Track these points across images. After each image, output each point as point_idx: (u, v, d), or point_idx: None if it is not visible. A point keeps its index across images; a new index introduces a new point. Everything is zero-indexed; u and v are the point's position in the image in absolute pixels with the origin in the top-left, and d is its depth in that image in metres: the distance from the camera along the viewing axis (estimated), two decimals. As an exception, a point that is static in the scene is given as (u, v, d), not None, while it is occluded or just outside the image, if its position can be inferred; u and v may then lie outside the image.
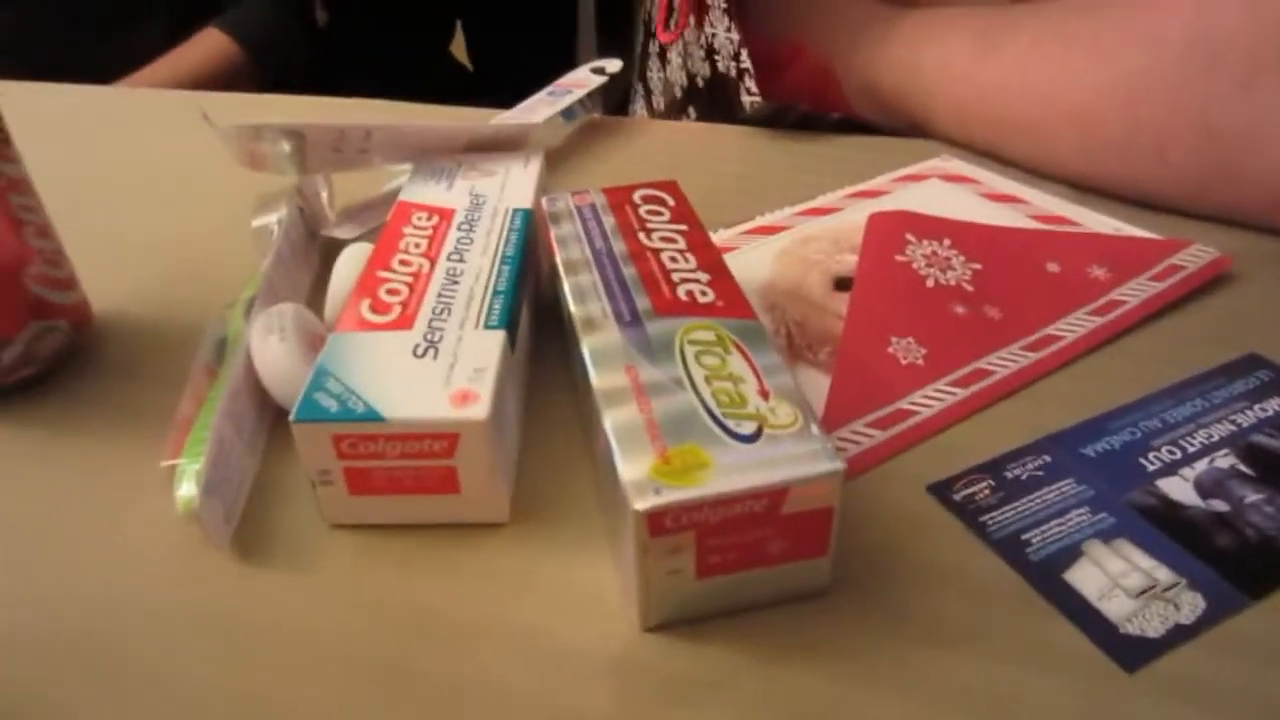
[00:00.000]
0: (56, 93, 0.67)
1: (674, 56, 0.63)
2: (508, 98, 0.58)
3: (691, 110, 0.62)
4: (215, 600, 0.27)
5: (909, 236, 0.41)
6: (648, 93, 0.70)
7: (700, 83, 0.59)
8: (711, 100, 0.59)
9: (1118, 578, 0.26)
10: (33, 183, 0.35)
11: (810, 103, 0.56)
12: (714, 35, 0.55)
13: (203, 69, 1.06)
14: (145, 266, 0.44)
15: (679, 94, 0.63)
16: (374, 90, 0.67)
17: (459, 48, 1.63)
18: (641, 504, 0.23)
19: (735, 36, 0.53)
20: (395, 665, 0.25)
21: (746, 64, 0.53)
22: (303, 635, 0.26)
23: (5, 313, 0.34)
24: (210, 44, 1.08)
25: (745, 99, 0.54)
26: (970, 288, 0.38)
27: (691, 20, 0.57)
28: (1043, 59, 0.46)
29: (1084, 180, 0.46)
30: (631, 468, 0.24)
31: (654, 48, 0.67)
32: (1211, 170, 0.41)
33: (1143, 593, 0.26)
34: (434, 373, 0.28)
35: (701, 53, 0.57)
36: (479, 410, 0.27)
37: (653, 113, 0.70)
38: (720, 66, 0.55)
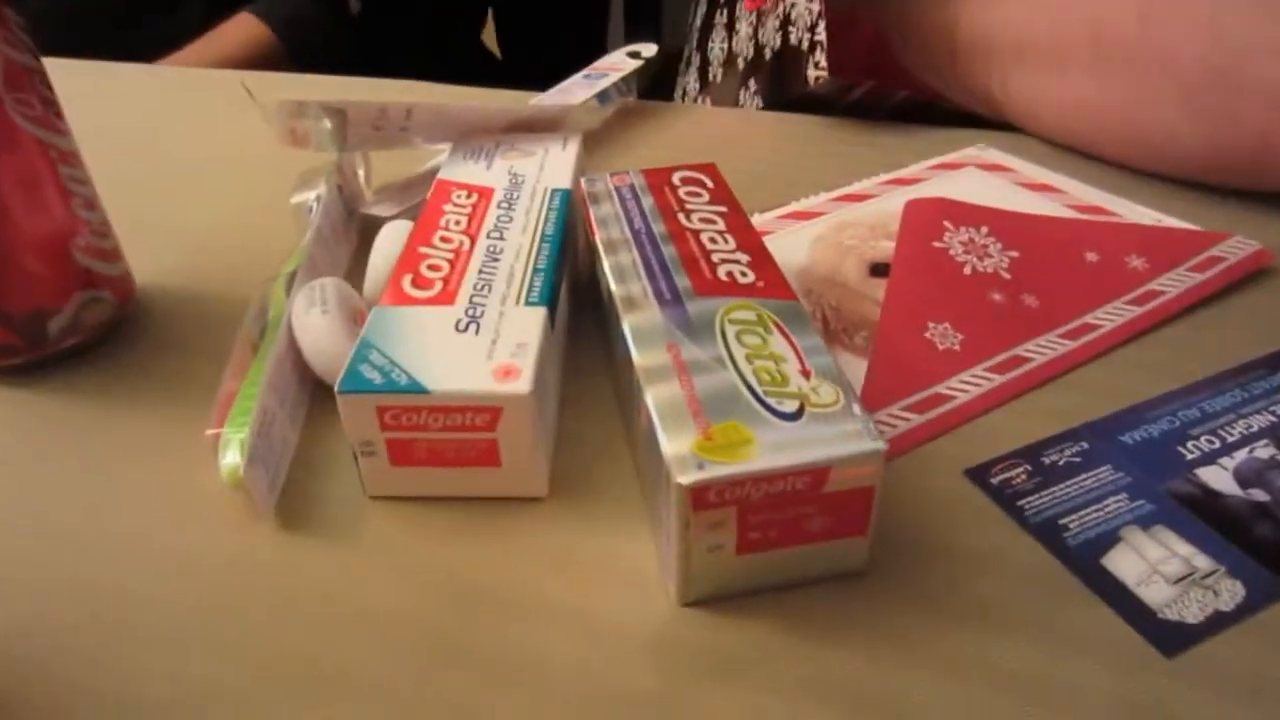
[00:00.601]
0: (98, 71, 0.68)
1: (743, 27, 0.62)
2: (537, 86, 0.58)
3: (752, 83, 0.62)
4: (260, 566, 0.28)
5: (946, 223, 0.41)
6: (704, 64, 0.69)
7: (768, 54, 0.58)
8: (777, 73, 0.58)
9: (1156, 564, 0.26)
10: (81, 156, 0.36)
11: (870, 78, 0.55)
12: (793, 5, 0.54)
13: (235, 53, 1.07)
14: (184, 241, 0.45)
15: (741, 65, 0.62)
16: (404, 77, 0.67)
17: (489, 37, 1.64)
18: (685, 478, 0.23)
19: (815, 7, 0.52)
20: (435, 632, 0.25)
21: (821, 36, 0.52)
22: (345, 600, 0.26)
23: (54, 282, 0.35)
24: (243, 29, 1.09)
25: (811, 73, 0.53)
26: (1007, 275, 0.38)
27: None
28: None
29: (1092, 105, 0.46)
30: (674, 443, 0.24)
31: (721, 18, 0.66)
32: (1212, 78, 0.41)
33: (1181, 579, 0.26)
34: (476, 347, 0.28)
35: (776, 23, 0.56)
36: (522, 384, 0.27)
37: (706, 85, 0.69)
38: (793, 39, 0.54)
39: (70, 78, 0.35)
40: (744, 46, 0.62)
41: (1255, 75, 0.40)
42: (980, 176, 0.47)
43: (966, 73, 0.52)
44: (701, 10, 0.70)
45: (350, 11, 1.25)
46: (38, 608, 0.26)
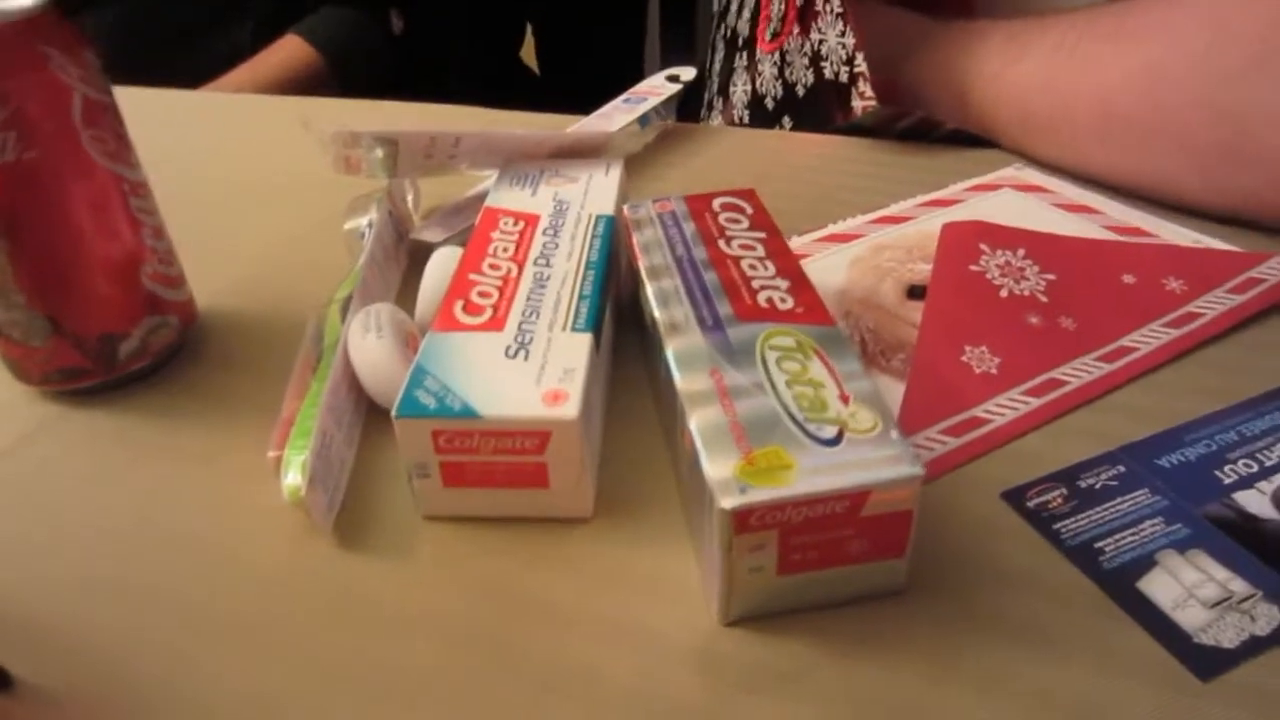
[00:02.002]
0: (153, 97, 0.70)
1: (766, 68, 0.63)
2: (576, 102, 0.59)
3: (786, 120, 0.63)
4: (320, 579, 0.29)
5: (983, 246, 0.41)
6: (728, 107, 0.70)
7: (801, 91, 0.59)
8: (810, 109, 0.59)
9: (1192, 588, 0.27)
10: (149, 186, 0.38)
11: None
12: (822, 41, 0.55)
13: (282, 74, 1.10)
14: (241, 264, 0.46)
15: (770, 105, 0.63)
16: (446, 94, 0.69)
17: (528, 53, 1.66)
18: (728, 502, 0.24)
19: (849, 41, 0.53)
20: (489, 644, 0.26)
21: (862, 68, 0.53)
22: (400, 611, 0.28)
23: (124, 308, 0.37)
24: (290, 50, 1.12)
25: (857, 103, 0.54)
26: (1044, 298, 0.39)
27: (796, 28, 0.57)
28: (1067, 55, 0.47)
29: (1107, 175, 0.47)
30: (718, 467, 0.25)
31: (741, 61, 0.67)
32: (1223, 151, 0.42)
33: (1218, 603, 0.26)
34: (526, 373, 0.30)
35: (805, 60, 0.57)
36: (569, 409, 0.28)
37: (731, 124, 0.71)
38: (828, 73, 0.55)
39: (128, 103, 0.36)
40: (771, 86, 0.63)
41: (1262, 147, 0.41)
42: (1017, 197, 0.48)
43: (988, 136, 0.53)
44: (720, 54, 0.71)
45: (393, 31, 1.28)
46: (111, 614, 0.28)
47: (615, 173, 0.42)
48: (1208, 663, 0.25)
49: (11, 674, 0.26)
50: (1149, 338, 0.37)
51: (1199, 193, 0.44)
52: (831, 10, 0.55)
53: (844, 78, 0.55)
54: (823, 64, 0.56)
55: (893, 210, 0.47)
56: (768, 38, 0.59)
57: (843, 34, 0.54)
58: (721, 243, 0.35)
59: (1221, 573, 0.27)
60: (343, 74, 1.14)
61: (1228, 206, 0.44)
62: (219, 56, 1.07)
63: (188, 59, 1.04)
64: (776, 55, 0.62)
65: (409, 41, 1.29)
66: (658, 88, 0.58)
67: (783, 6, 0.57)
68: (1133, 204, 0.46)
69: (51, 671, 0.26)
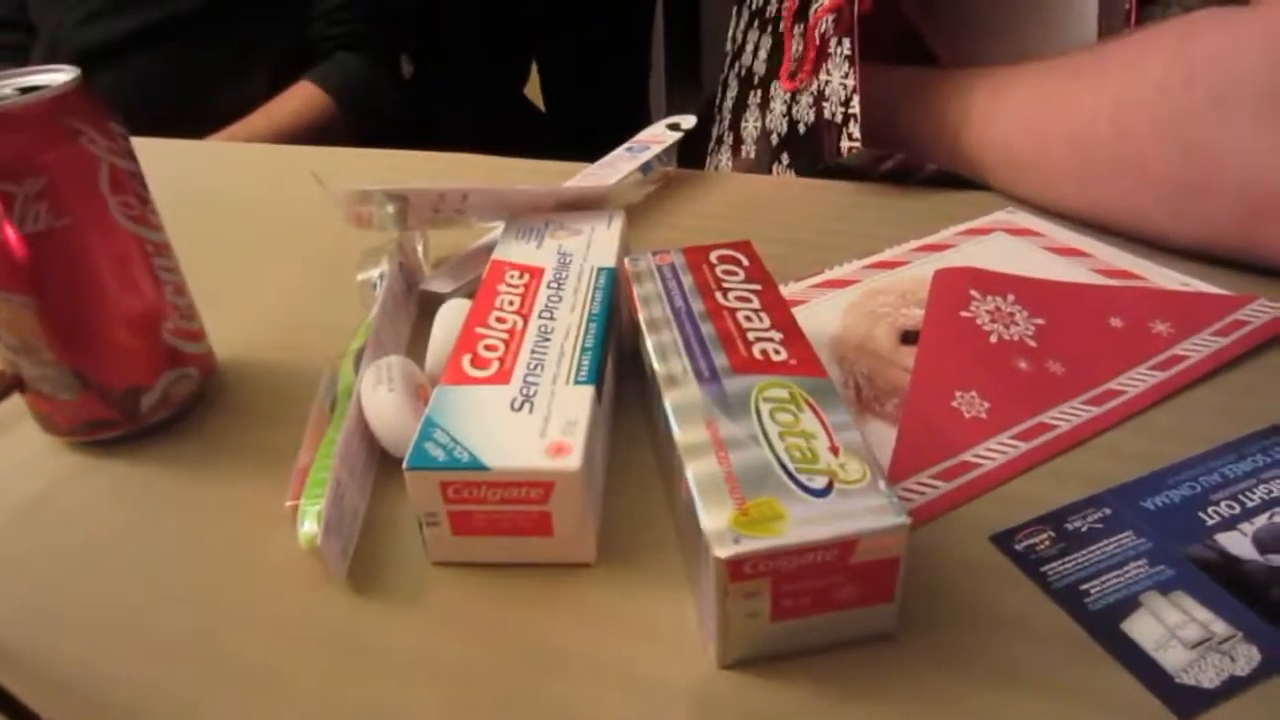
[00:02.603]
0: (172, 147, 0.72)
1: (777, 105, 0.65)
2: (580, 138, 0.61)
3: (785, 156, 0.64)
4: (334, 624, 0.30)
5: (973, 292, 0.43)
6: (738, 142, 0.72)
7: (802, 129, 0.61)
8: (807, 147, 0.61)
9: (1175, 629, 0.27)
10: (171, 245, 0.39)
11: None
12: (827, 82, 0.57)
13: (296, 120, 1.13)
14: (258, 316, 0.48)
15: (774, 141, 0.65)
16: (455, 133, 0.71)
17: (533, 90, 1.69)
18: (723, 552, 0.25)
19: (850, 82, 0.55)
20: (494, 687, 0.28)
21: (855, 110, 0.55)
22: (410, 656, 0.29)
23: (146, 363, 0.38)
24: (303, 96, 1.15)
25: (844, 144, 0.55)
26: (1033, 343, 0.40)
27: (811, 69, 0.59)
28: (1044, 95, 0.50)
29: (1084, 212, 0.49)
30: (713, 518, 0.26)
31: (755, 98, 0.69)
32: (1186, 185, 0.44)
33: (1199, 644, 0.27)
34: (530, 425, 0.31)
35: (810, 99, 0.59)
36: (572, 461, 0.29)
37: (739, 162, 0.72)
38: (827, 113, 0.57)
39: (146, 153, 0.38)
40: (778, 123, 0.64)
41: (1223, 181, 0.43)
42: (1009, 241, 0.49)
43: (964, 173, 0.56)
44: (733, 91, 0.73)
45: (403, 74, 1.31)
46: (131, 661, 0.29)
47: (617, 224, 0.44)
48: (1188, 702, 0.26)
49: (40, 716, 0.27)
50: (1135, 381, 0.38)
51: (1164, 224, 0.46)
52: (841, 52, 0.56)
53: (839, 118, 0.57)
54: (824, 103, 0.58)
55: (887, 255, 0.49)
56: (790, 77, 0.61)
57: (846, 75, 0.56)
58: (718, 294, 0.36)
59: (1203, 614, 0.28)
60: (355, 118, 1.17)
61: (1192, 238, 0.45)
62: (233, 105, 1.10)
63: (203, 108, 1.07)
64: (789, 94, 0.64)
65: (418, 85, 1.32)
66: (659, 136, 0.60)
67: (801, 47, 0.59)
68: (1122, 247, 0.47)
69: (74, 715, 0.28)
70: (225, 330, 0.44)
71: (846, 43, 0.55)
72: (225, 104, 1.10)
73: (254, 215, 0.61)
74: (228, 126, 1.08)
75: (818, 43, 0.58)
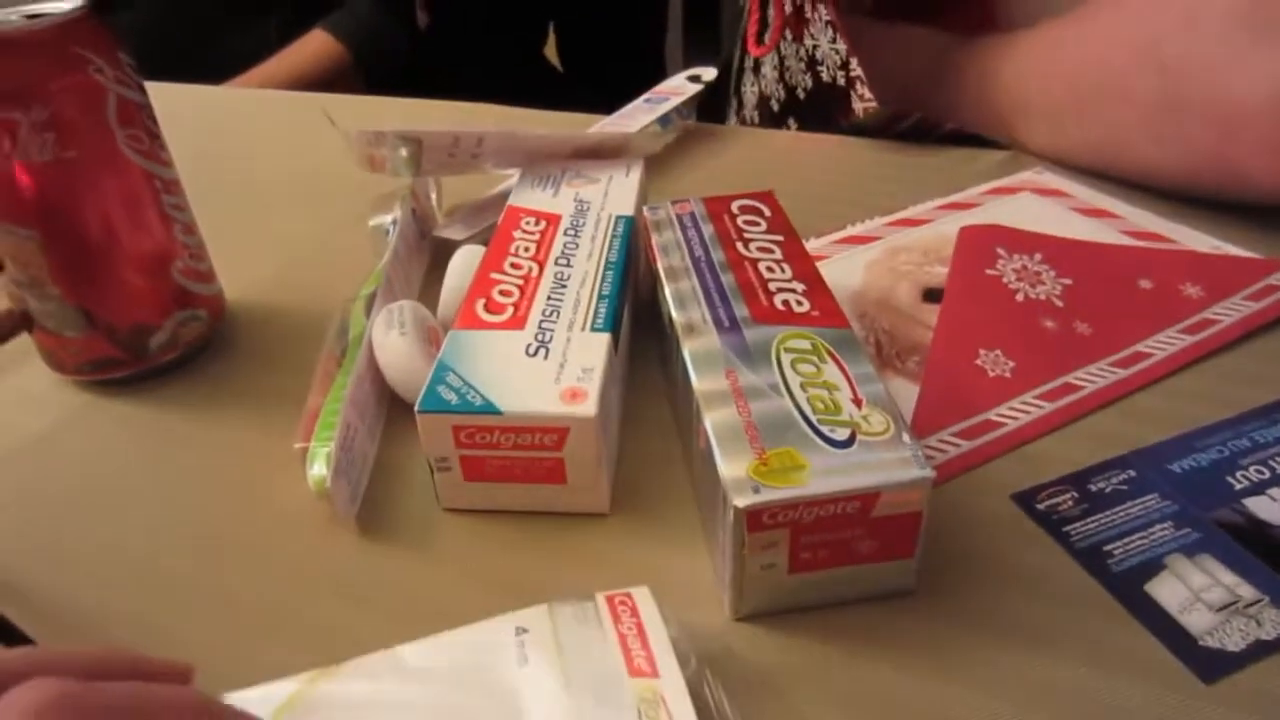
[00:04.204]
0: (182, 92, 0.71)
1: (768, 70, 0.64)
2: (598, 99, 0.60)
3: (791, 122, 0.64)
4: (341, 567, 0.30)
5: (999, 250, 0.42)
6: (740, 106, 0.71)
7: (801, 94, 0.60)
8: (813, 111, 0.60)
9: (1199, 592, 0.27)
10: (181, 183, 0.39)
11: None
12: (815, 47, 0.56)
13: (309, 68, 1.11)
14: (267, 259, 0.47)
15: (775, 107, 0.64)
16: (469, 90, 0.70)
17: (550, 51, 1.67)
18: (741, 501, 0.24)
19: (842, 47, 0.54)
20: (506, 639, 0.27)
21: (858, 71, 0.54)
22: (418, 602, 0.28)
23: (155, 302, 0.38)
24: (316, 44, 1.13)
25: (858, 105, 0.55)
26: (1060, 303, 0.39)
27: (788, 34, 0.58)
28: (1044, 40, 0.50)
29: (1083, 152, 0.50)
30: (732, 467, 0.25)
31: (748, 62, 0.68)
32: (1164, 105, 0.44)
33: (1224, 608, 0.26)
34: (545, 371, 0.30)
35: (802, 65, 0.58)
36: (588, 407, 0.29)
37: (744, 125, 0.71)
38: (825, 77, 0.56)
39: (158, 99, 0.37)
40: (773, 89, 0.64)
41: (1197, 97, 0.43)
42: (1036, 201, 0.48)
43: (992, 133, 0.55)
44: (736, 53, 0.72)
45: (419, 26, 1.29)
46: (137, 599, 0.29)
47: (635, 174, 0.43)
48: (1212, 665, 0.25)
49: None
50: (1164, 344, 0.37)
51: (1148, 151, 0.46)
52: (820, 18, 0.56)
53: (841, 81, 0.56)
54: (819, 68, 0.57)
55: (910, 213, 0.47)
56: (759, 42, 0.61)
57: (834, 40, 0.55)
58: (739, 245, 0.35)
59: (1229, 577, 0.27)
60: (368, 68, 1.16)
61: (1175, 165, 0.45)
62: (245, 51, 1.09)
63: (215, 54, 1.05)
64: (775, 58, 0.63)
65: (433, 36, 1.30)
66: (679, 88, 0.58)
67: (770, 13, 0.58)
68: (1152, 209, 0.46)
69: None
70: (235, 274, 0.43)
71: (822, 8, 0.54)
72: (237, 51, 1.08)
73: (265, 160, 0.60)
74: (239, 74, 1.07)
75: (786, 8, 0.57)
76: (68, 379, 0.39)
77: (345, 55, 1.13)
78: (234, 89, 1.00)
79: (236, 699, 0.23)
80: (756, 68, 0.67)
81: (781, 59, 0.62)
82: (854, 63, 0.54)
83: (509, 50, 1.50)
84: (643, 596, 0.26)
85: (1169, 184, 0.46)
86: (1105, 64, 0.46)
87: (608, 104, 0.58)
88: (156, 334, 0.38)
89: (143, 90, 0.36)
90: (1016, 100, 0.52)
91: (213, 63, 1.02)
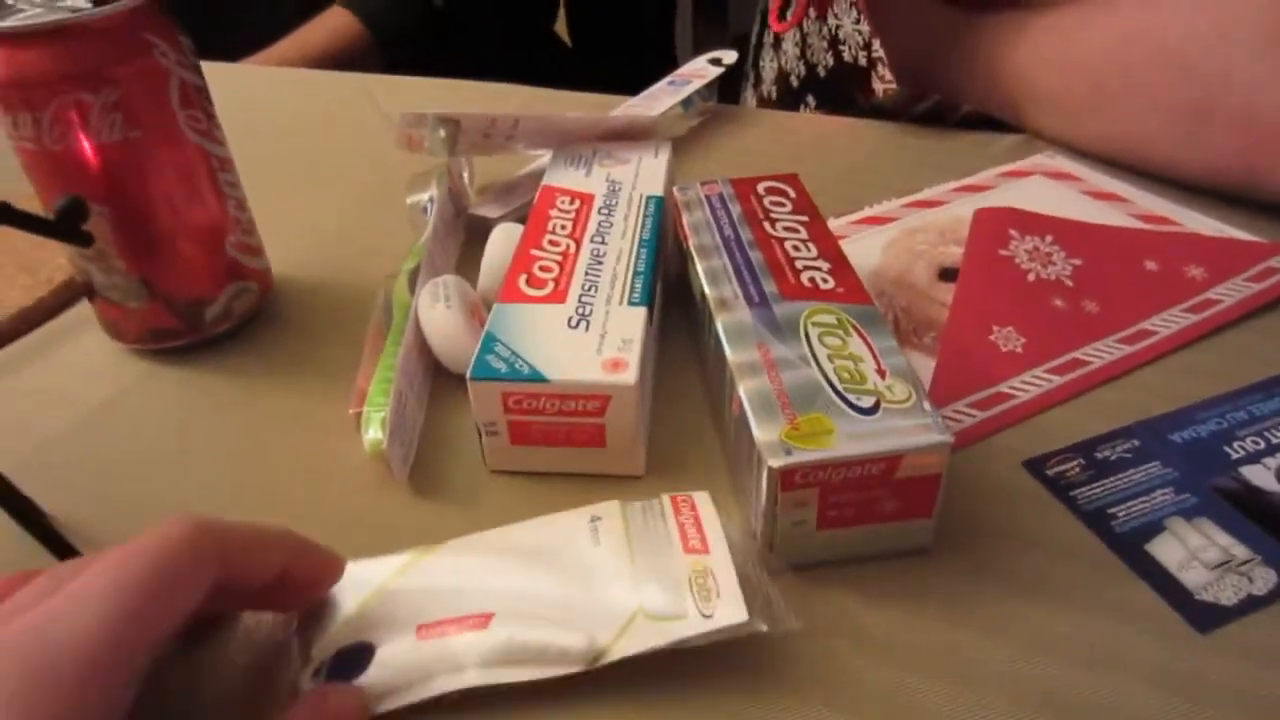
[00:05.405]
0: (216, 70, 0.73)
1: (789, 46, 0.65)
2: (608, 76, 0.62)
3: (810, 99, 0.65)
4: (395, 526, 0.32)
5: (1013, 232, 0.44)
6: (758, 80, 0.73)
7: (822, 72, 0.61)
8: (833, 90, 0.61)
9: (1196, 551, 0.29)
10: (234, 161, 0.40)
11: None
12: (839, 27, 0.58)
13: (327, 47, 1.12)
14: (310, 236, 0.49)
15: (795, 83, 0.65)
16: (482, 68, 0.71)
17: (560, 28, 1.68)
18: (775, 462, 0.26)
19: (865, 28, 0.55)
20: (553, 589, 0.29)
21: (879, 53, 0.56)
22: (474, 560, 0.31)
23: (211, 274, 0.40)
24: (335, 22, 1.15)
25: (878, 86, 0.56)
26: (1070, 283, 0.41)
27: (812, 12, 0.59)
28: (1058, 30, 0.50)
29: (1099, 144, 0.51)
30: (766, 431, 0.27)
31: (768, 37, 0.70)
32: (1190, 110, 0.45)
33: (1219, 565, 0.29)
34: (587, 342, 0.32)
35: (824, 43, 0.59)
36: (628, 376, 0.31)
37: (762, 100, 0.73)
38: (847, 56, 0.58)
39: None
40: (794, 65, 0.65)
41: (1225, 108, 0.44)
42: (1047, 184, 0.50)
43: (999, 113, 0.56)
44: (756, 28, 0.73)
45: (434, 4, 1.30)
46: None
47: (664, 155, 0.45)
48: (1207, 617, 0.27)
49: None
50: (1168, 322, 0.39)
51: (1169, 151, 0.47)
52: None
53: (863, 61, 0.57)
54: (841, 47, 0.58)
55: (926, 195, 0.49)
56: (781, 18, 0.62)
57: (858, 21, 0.57)
58: (766, 224, 0.37)
59: (1224, 539, 0.29)
60: (387, 47, 1.17)
61: (1197, 165, 0.46)
62: (265, 30, 1.10)
63: (234, 33, 1.06)
64: (797, 35, 0.64)
65: (448, 13, 1.31)
66: (700, 70, 0.60)
67: None
68: (1159, 193, 0.48)
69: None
70: (278, 251, 0.45)
71: None
72: (255, 29, 1.09)
73: (296, 139, 0.62)
74: (257, 52, 1.08)
75: None
76: (127, 348, 0.41)
77: (364, 33, 1.15)
78: (258, 66, 1.02)
79: (354, 567, 0.27)
80: (777, 43, 0.68)
81: (804, 35, 0.63)
82: (876, 44, 0.56)
83: (520, 27, 1.51)
84: (702, 499, 0.29)
85: (1190, 181, 0.47)
86: (1130, 63, 0.47)
87: (617, 80, 0.60)
88: (212, 305, 0.40)
89: (200, 73, 0.38)
90: (1026, 86, 0.53)
91: (230, 41, 1.03)
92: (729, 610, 0.25)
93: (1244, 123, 0.43)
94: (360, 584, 0.27)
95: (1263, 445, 0.33)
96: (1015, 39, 0.53)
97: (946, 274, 0.43)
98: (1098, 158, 0.51)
